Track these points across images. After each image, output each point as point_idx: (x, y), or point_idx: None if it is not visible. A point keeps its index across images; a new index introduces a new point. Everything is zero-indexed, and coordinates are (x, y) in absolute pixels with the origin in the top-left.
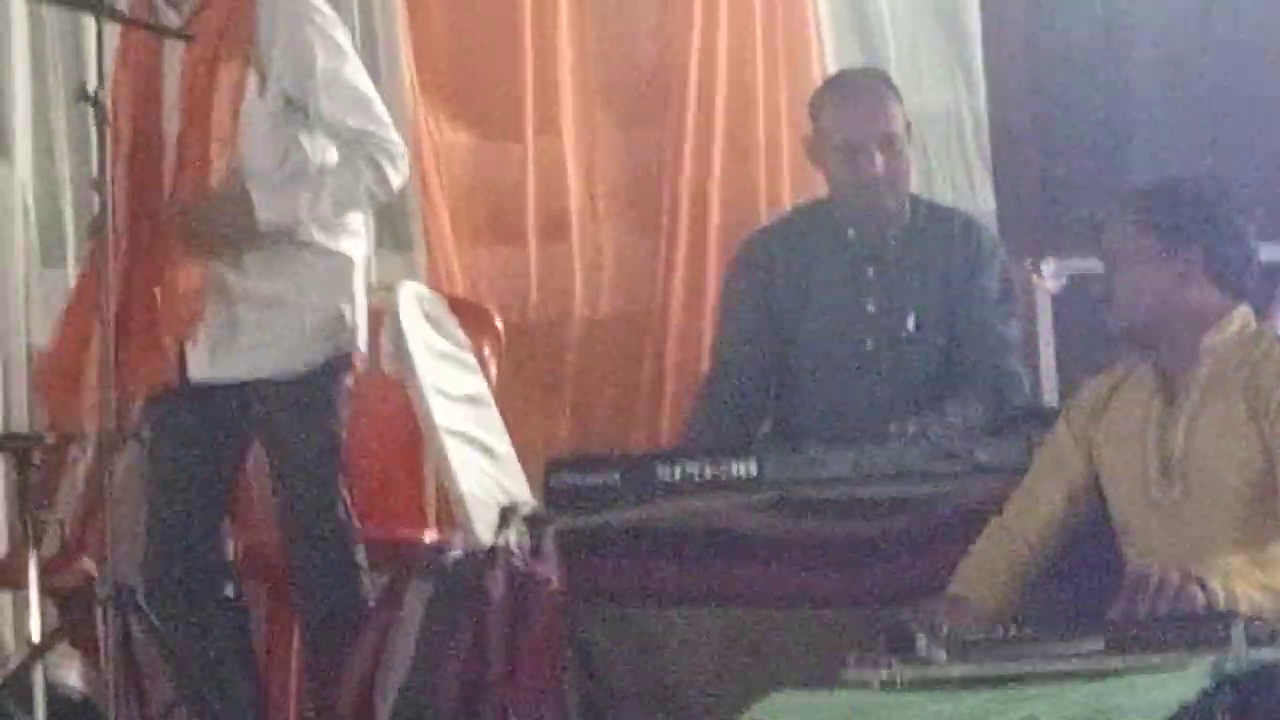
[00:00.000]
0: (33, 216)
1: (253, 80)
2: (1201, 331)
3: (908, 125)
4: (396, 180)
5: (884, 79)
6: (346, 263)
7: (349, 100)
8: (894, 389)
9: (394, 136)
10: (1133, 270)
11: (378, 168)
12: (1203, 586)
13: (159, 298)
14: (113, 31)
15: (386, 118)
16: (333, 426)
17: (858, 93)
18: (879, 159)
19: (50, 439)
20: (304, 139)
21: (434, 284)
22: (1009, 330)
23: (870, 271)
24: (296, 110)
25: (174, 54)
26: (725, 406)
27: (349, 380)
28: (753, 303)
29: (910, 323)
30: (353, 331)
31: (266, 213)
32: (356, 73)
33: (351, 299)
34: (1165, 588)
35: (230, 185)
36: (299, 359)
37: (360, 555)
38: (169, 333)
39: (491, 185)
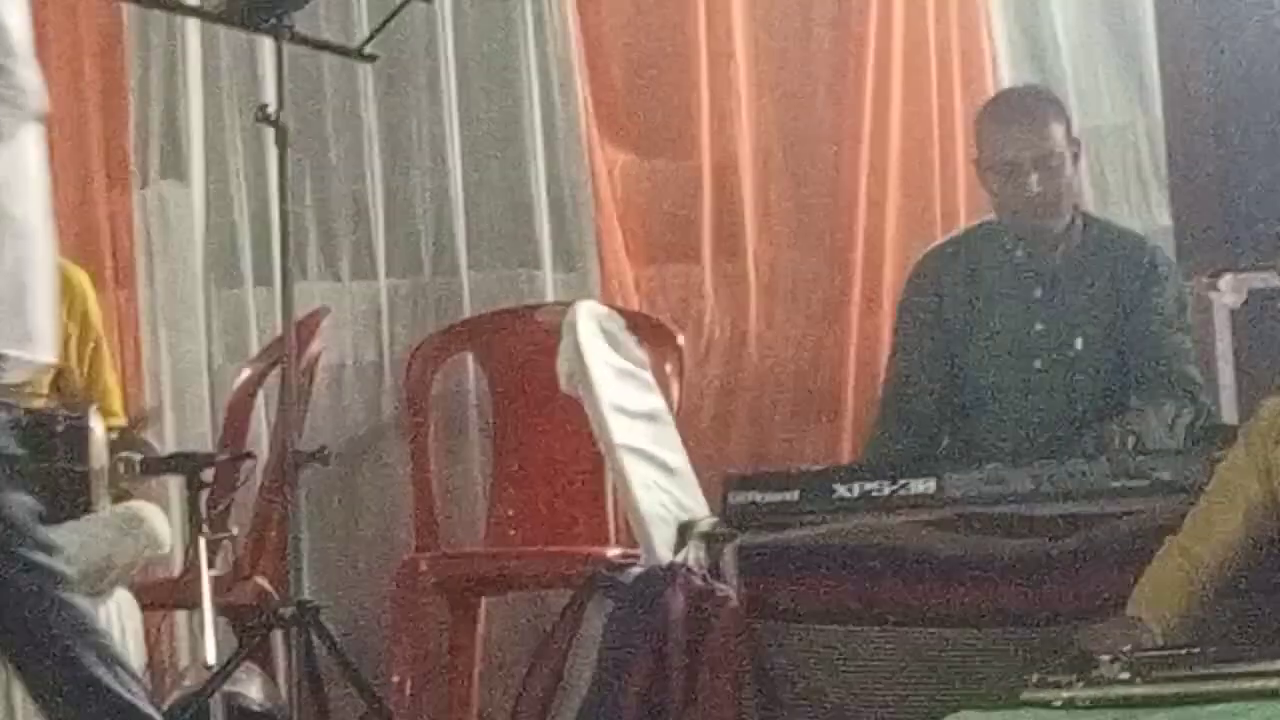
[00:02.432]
0: (205, 237)
1: None
2: None
3: (1074, 143)
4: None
5: (1045, 97)
6: None
7: None
8: (1063, 408)
9: (22, 72)
10: None
11: None
12: None
13: None
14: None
15: (21, 50)
16: None
17: (1015, 112)
18: (1034, 178)
19: (223, 457)
20: None
21: (609, 302)
22: (1186, 340)
23: (1038, 291)
24: None
25: None
26: (902, 426)
27: None
28: (926, 322)
29: (1078, 343)
30: None
31: None
32: None
33: None
34: None
35: None
36: None
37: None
38: None
39: (665, 202)
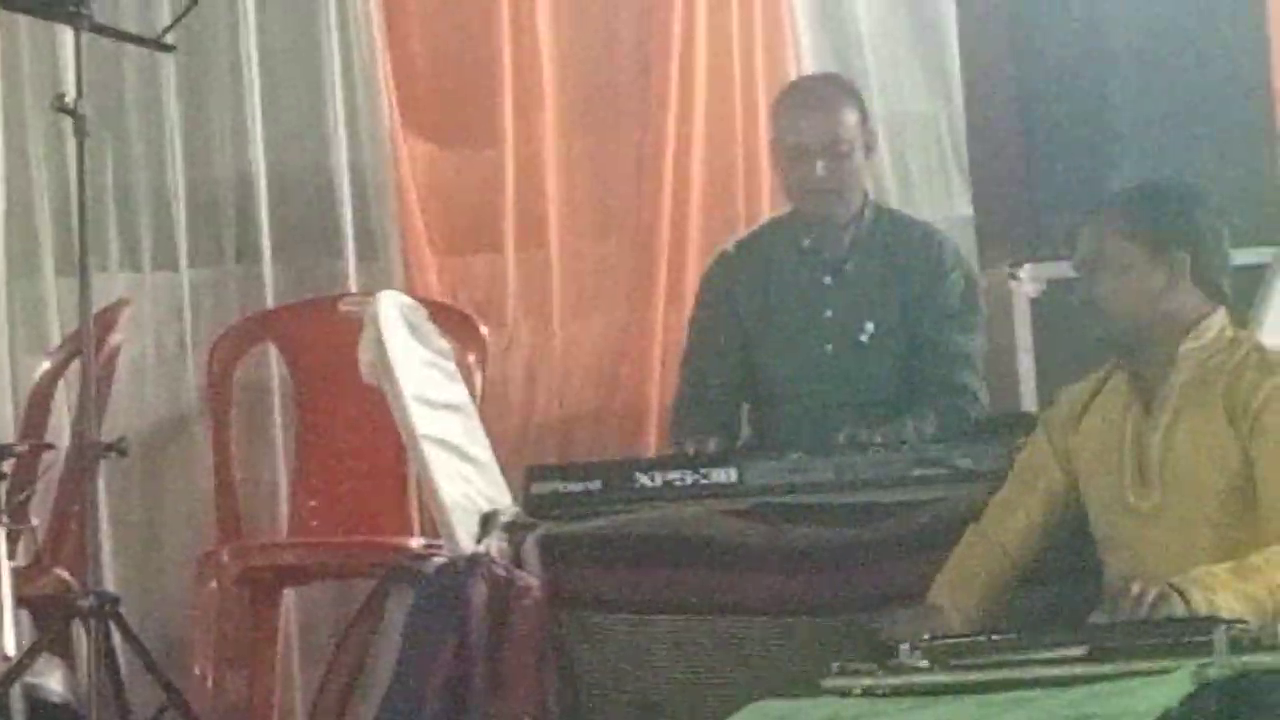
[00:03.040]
0: (5, 227)
1: None
2: (1180, 337)
3: (868, 133)
4: None
5: (840, 85)
6: None
7: None
8: (855, 394)
9: None
10: (1119, 275)
11: None
12: (1184, 599)
13: None
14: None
15: None
16: None
17: (808, 97)
18: (821, 164)
19: (21, 449)
20: None
21: (411, 292)
22: (967, 343)
23: (827, 279)
24: None
25: None
26: (696, 419)
27: None
28: (719, 315)
29: (869, 327)
30: None
31: None
32: None
33: None
34: (1142, 600)
35: None
36: None
37: None
38: None
39: (468, 192)
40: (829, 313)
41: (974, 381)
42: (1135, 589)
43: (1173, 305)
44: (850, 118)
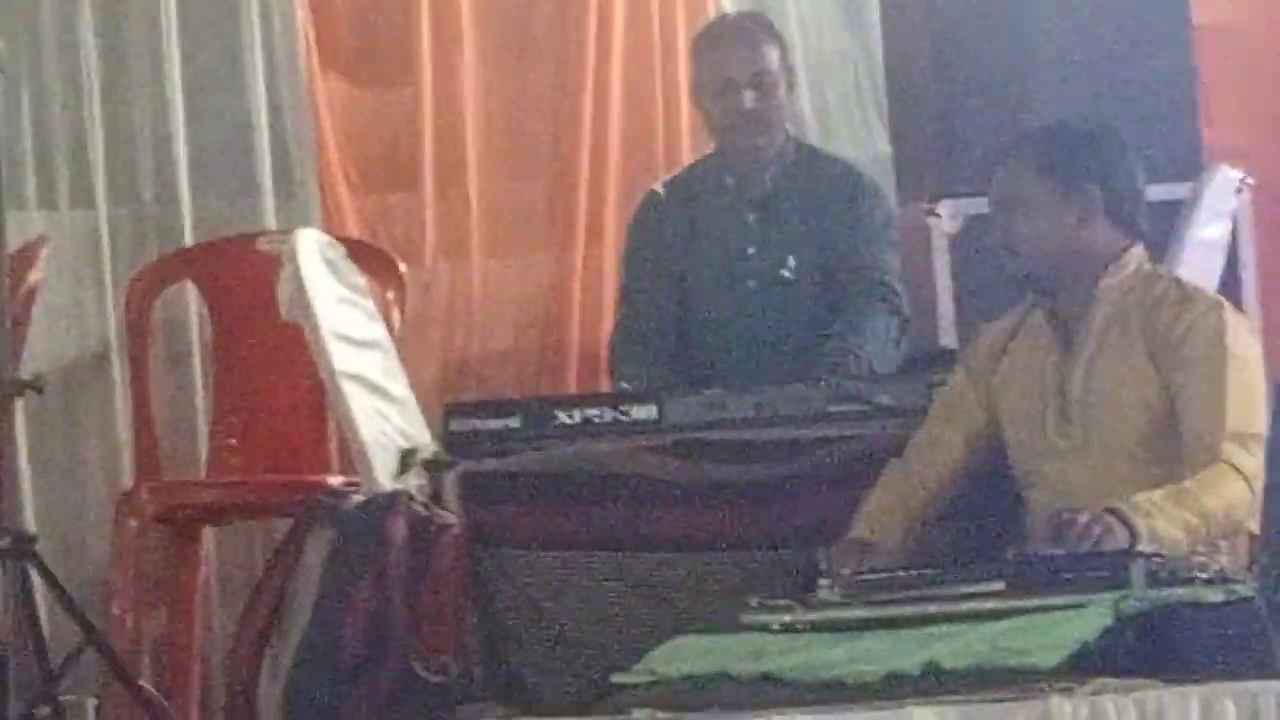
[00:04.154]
0: None
1: None
2: (1098, 273)
3: (788, 70)
4: None
5: (759, 21)
6: None
7: None
8: (777, 328)
9: None
10: (1033, 213)
11: None
12: (1127, 526)
13: None
14: None
15: None
16: None
17: (730, 32)
18: (748, 96)
19: None
20: None
21: (329, 231)
22: (889, 260)
23: (750, 216)
24: None
25: None
26: (635, 358)
27: None
28: (651, 254)
29: (791, 262)
30: None
31: None
32: None
33: None
34: (1089, 529)
35: None
36: None
37: None
38: None
39: (386, 131)
40: (752, 249)
41: (899, 288)
42: (1082, 520)
43: (1087, 242)
44: (773, 53)
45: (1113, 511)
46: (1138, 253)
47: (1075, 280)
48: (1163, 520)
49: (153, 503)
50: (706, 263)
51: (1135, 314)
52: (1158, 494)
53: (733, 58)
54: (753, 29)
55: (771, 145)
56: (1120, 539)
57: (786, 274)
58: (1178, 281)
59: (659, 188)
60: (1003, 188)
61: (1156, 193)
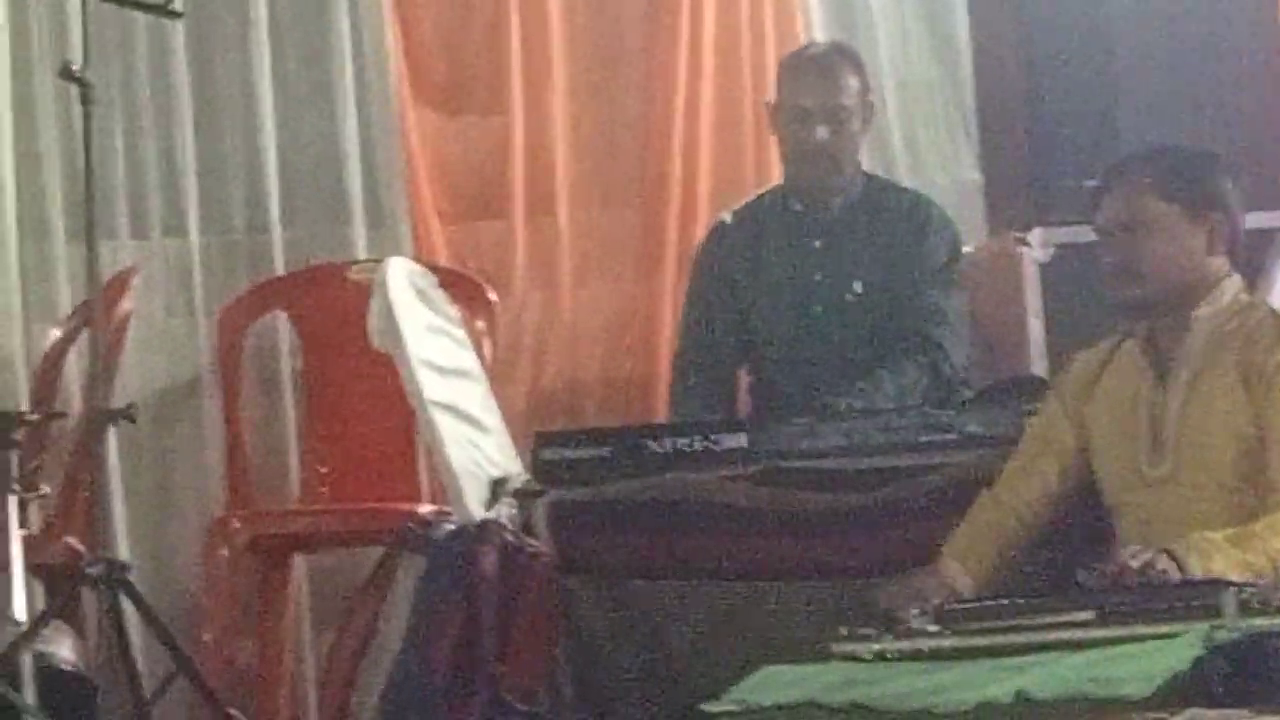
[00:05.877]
0: (16, 195)
1: None
2: (1196, 301)
3: (868, 104)
4: None
5: (844, 52)
6: None
7: None
8: (843, 354)
9: None
10: (1163, 239)
11: None
12: (1180, 566)
13: None
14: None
15: None
16: None
17: (812, 62)
18: (821, 129)
19: (33, 416)
20: None
21: (420, 259)
22: (945, 300)
23: (817, 242)
24: None
25: None
26: (691, 387)
27: None
28: (714, 285)
29: (856, 287)
30: None
31: None
32: None
33: None
34: (1142, 570)
35: None
36: None
37: None
38: None
39: (477, 159)
40: (818, 275)
41: (949, 338)
42: (1134, 565)
43: (1213, 268)
44: (852, 84)
45: (1169, 552)
46: (1236, 282)
47: (1173, 308)
48: (1220, 561)
49: (244, 531)
50: (771, 287)
51: (1230, 344)
52: (1221, 534)
53: (811, 88)
54: (836, 60)
55: (840, 179)
56: (1173, 579)
57: (851, 297)
58: (1273, 312)
59: (727, 216)
60: (1122, 210)
61: (1250, 221)
